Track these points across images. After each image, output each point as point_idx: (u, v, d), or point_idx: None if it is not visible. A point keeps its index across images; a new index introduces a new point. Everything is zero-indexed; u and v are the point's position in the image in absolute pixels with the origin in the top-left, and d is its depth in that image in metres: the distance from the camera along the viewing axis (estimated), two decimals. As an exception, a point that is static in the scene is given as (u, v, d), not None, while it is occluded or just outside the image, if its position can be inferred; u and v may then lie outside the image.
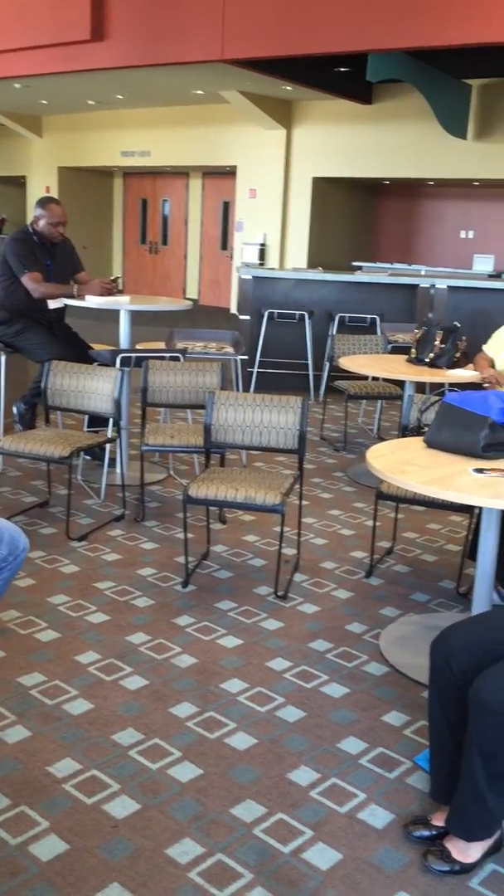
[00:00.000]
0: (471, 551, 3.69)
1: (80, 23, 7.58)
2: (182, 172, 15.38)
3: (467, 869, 2.12)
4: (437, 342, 5.18)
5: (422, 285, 7.96)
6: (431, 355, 5.16)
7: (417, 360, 5.23)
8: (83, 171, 15.72)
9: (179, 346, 5.76)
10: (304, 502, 4.67)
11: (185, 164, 14.13)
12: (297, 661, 3.14)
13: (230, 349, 5.96)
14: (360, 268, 10.53)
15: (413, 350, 5.31)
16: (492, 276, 9.45)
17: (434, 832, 2.21)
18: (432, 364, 5.14)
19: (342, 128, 11.81)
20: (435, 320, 5.48)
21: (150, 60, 7.57)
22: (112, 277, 5.53)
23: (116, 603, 3.54)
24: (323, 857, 2.16)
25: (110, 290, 5.31)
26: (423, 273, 9.37)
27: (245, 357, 7.03)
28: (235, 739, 2.64)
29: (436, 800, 2.30)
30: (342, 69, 9.61)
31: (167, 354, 4.99)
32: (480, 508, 3.12)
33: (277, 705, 2.85)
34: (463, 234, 12.98)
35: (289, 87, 10.58)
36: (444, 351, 5.15)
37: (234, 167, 13.22)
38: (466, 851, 2.13)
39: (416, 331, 5.42)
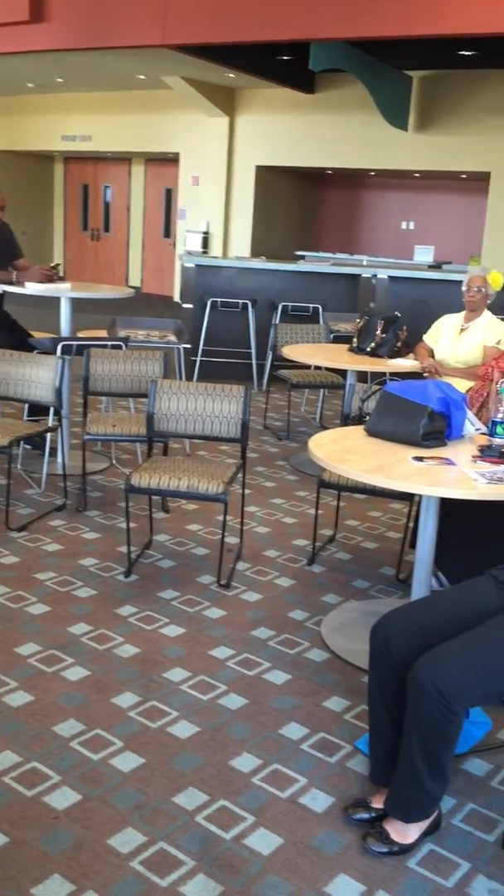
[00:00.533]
0: (411, 538, 3.75)
1: (19, 3, 7.41)
2: (124, 158, 15.20)
3: (406, 849, 2.16)
4: (378, 332, 5.24)
5: (363, 275, 8.03)
6: (373, 345, 5.22)
7: (359, 350, 5.28)
8: (22, 155, 15.42)
9: (122, 334, 5.71)
10: (247, 491, 4.68)
11: (127, 150, 13.97)
12: (239, 649, 3.16)
13: (173, 338, 5.93)
14: (302, 257, 10.57)
15: (354, 339, 5.36)
16: (432, 267, 9.58)
17: (373, 814, 2.25)
18: (373, 353, 5.19)
19: (285, 116, 11.81)
20: (376, 310, 5.54)
21: (90, 44, 7.45)
22: (52, 264, 5.44)
23: (57, 594, 3.51)
24: (264, 842, 2.18)
25: (50, 276, 5.23)
26: (364, 263, 9.45)
27: (188, 346, 7.01)
28: (178, 728, 2.64)
29: (375, 782, 2.34)
30: (285, 58, 9.60)
31: (109, 343, 4.94)
32: (420, 496, 3.16)
33: (220, 693, 2.86)
34: (404, 225, 13.12)
35: (232, 75, 10.53)
36: (385, 340, 5.21)
37: (177, 154, 13.12)
38: (405, 832, 2.17)
39: (358, 320, 5.47)
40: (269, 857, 2.13)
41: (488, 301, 4.84)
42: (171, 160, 13.77)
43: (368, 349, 5.22)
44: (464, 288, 4.87)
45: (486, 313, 4.86)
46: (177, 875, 2.05)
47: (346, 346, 5.44)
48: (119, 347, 4.82)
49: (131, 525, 4.08)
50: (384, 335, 5.22)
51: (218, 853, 2.14)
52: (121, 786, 2.36)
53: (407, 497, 3.78)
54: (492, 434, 3.16)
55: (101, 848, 2.12)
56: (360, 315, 5.56)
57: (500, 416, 3.17)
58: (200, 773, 2.44)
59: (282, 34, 6.98)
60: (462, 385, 4.25)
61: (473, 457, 2.96)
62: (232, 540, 4.13)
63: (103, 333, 5.76)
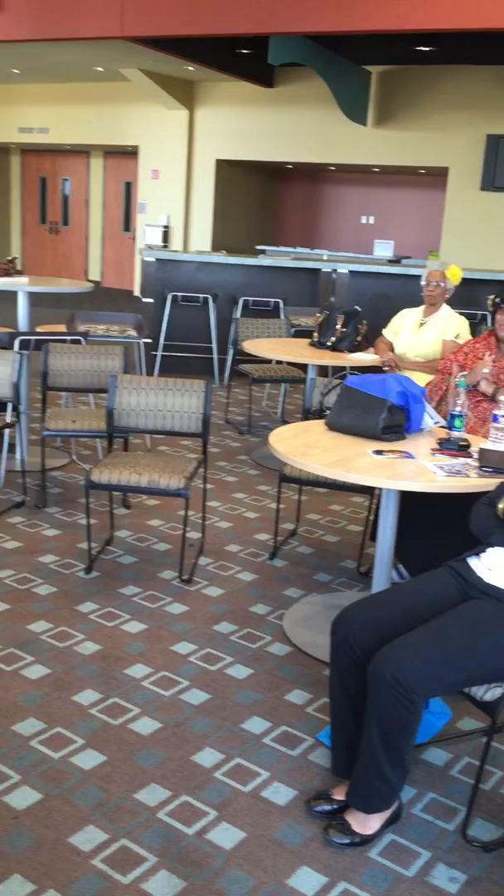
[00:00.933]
0: (372, 531, 3.77)
1: (-27, -8, 7.29)
2: (82, 151, 15.04)
3: (367, 840, 2.18)
4: (338, 326, 5.26)
5: (324, 270, 8.05)
6: (333, 339, 5.23)
7: (319, 344, 5.29)
8: (-22, 148, 15.20)
9: (81, 328, 5.65)
10: (208, 486, 4.68)
11: (86, 143, 13.83)
12: (201, 644, 3.15)
13: (133, 332, 5.89)
14: (263, 251, 10.57)
15: (315, 334, 5.38)
16: (391, 262, 9.63)
17: (335, 806, 2.26)
18: (334, 348, 5.21)
19: (245, 110, 11.78)
20: (336, 304, 5.55)
21: (47, 35, 7.36)
22: (9, 258, 5.37)
23: (17, 591, 3.47)
24: (226, 836, 2.18)
25: (7, 270, 5.17)
26: (325, 258, 9.48)
27: (149, 340, 6.96)
28: (139, 724, 2.63)
29: (336, 774, 2.35)
30: (244, 51, 9.57)
31: (68, 337, 4.89)
32: (380, 489, 3.18)
33: (182, 689, 2.85)
34: (364, 220, 13.18)
35: (191, 68, 10.47)
36: (346, 335, 5.23)
37: (136, 147, 13.03)
38: (366, 823, 2.19)
39: (318, 315, 5.48)
40: (232, 852, 2.13)
41: (447, 296, 4.88)
42: (131, 153, 13.67)
43: (329, 343, 5.23)
44: (423, 283, 4.90)
45: (445, 307, 4.90)
46: (139, 872, 2.05)
47: (307, 341, 5.45)
48: (78, 342, 4.77)
49: (92, 521, 4.05)
50: (344, 329, 5.23)
51: (180, 849, 2.13)
52: (82, 784, 2.34)
53: (367, 490, 3.80)
54: (450, 427, 3.19)
55: (62, 847, 2.11)
56: (321, 309, 5.57)
57: (458, 409, 3.20)
58: (162, 768, 2.43)
59: (240, 28, 6.96)
60: (421, 379, 4.29)
61: (432, 450, 2.99)
62: (194, 535, 4.12)
63: (62, 328, 5.70)
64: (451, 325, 4.85)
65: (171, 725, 2.64)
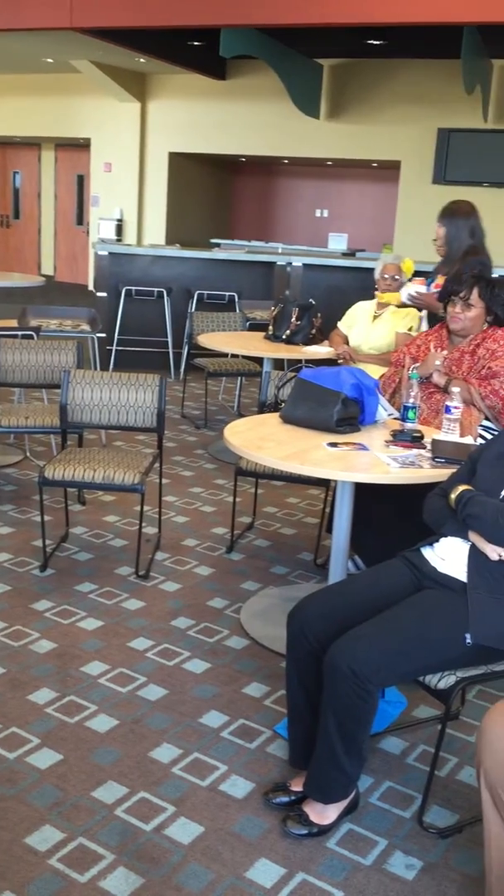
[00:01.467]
0: (328, 523, 3.78)
1: None
2: (33, 143, 14.83)
3: (324, 830, 2.19)
4: (293, 319, 5.27)
5: (278, 263, 8.05)
6: (288, 332, 5.24)
7: (274, 337, 5.30)
8: None
9: (33, 323, 5.58)
10: (164, 481, 4.65)
11: (36, 135, 13.63)
12: (158, 640, 3.14)
13: (87, 327, 5.83)
14: (218, 245, 10.53)
15: (270, 327, 5.38)
16: (345, 255, 9.68)
17: (293, 797, 2.27)
18: (289, 341, 5.22)
19: (197, 103, 11.72)
20: (291, 297, 5.56)
21: (-6, 24, 7.24)
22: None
23: (-30, 590, 3.42)
24: (185, 831, 2.18)
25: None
26: (279, 251, 9.47)
27: (103, 335, 6.91)
28: (96, 722, 2.61)
29: (294, 766, 2.36)
30: (196, 43, 9.51)
31: (20, 332, 4.82)
32: (336, 481, 3.20)
33: (139, 685, 2.84)
34: (318, 213, 13.20)
35: (142, 60, 10.37)
36: (300, 328, 5.25)
37: (88, 140, 12.88)
38: (323, 813, 2.20)
39: (273, 308, 5.49)
40: (190, 846, 2.13)
41: (400, 286, 4.91)
42: (83, 146, 13.51)
43: (284, 336, 5.24)
44: (377, 276, 4.93)
45: None
46: (96, 870, 2.03)
47: (262, 334, 5.45)
48: (30, 337, 4.71)
49: (46, 518, 4.01)
50: (299, 322, 5.25)
51: (138, 845, 2.12)
52: (38, 783, 2.32)
53: (323, 483, 3.82)
54: (404, 419, 3.21)
55: (17, 847, 2.08)
56: (275, 302, 5.58)
57: (411, 401, 3.23)
58: (120, 766, 2.42)
59: (191, 20, 6.92)
60: (376, 371, 4.31)
61: (386, 441, 3.01)
62: (150, 530, 4.10)
63: (13, 323, 5.62)
64: (404, 318, 4.88)
65: (129, 722, 2.63)
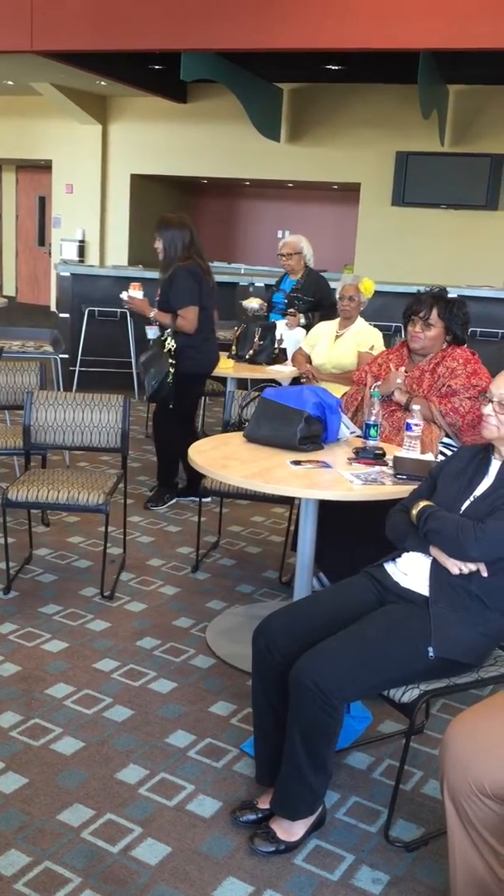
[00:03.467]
0: (293, 541, 3.80)
1: None
2: (-6, 165, 14.81)
3: (292, 847, 2.20)
4: (255, 339, 5.31)
5: (241, 283, 8.12)
6: (251, 352, 5.29)
7: (238, 357, 5.34)
8: None
9: (-5, 344, 5.55)
10: (129, 501, 4.64)
11: (-2, 157, 13.62)
12: (124, 661, 3.13)
13: (49, 348, 5.82)
14: (180, 266, 10.57)
15: (233, 346, 5.42)
16: (308, 275, 9.76)
17: (260, 815, 2.27)
18: (252, 360, 5.26)
19: (158, 125, 11.80)
20: (253, 318, 5.61)
21: (-47, 47, 7.24)
22: None
23: None
24: (152, 852, 2.17)
25: None
26: (242, 271, 9.55)
27: (66, 356, 6.89)
28: (62, 745, 2.60)
29: (261, 783, 2.36)
30: (156, 67, 9.59)
31: (-19, 354, 4.80)
32: (299, 499, 3.22)
33: (105, 706, 2.82)
34: (280, 234, 13.31)
35: (103, 83, 10.43)
36: (263, 347, 5.29)
37: (50, 161, 12.89)
38: (290, 830, 2.20)
39: (236, 328, 5.53)
40: (157, 867, 2.12)
41: (361, 308, 4.98)
42: (44, 167, 13.51)
43: (247, 356, 5.28)
44: (337, 297, 5.00)
45: (360, 320, 5.00)
46: (63, 893, 2.02)
47: (226, 354, 5.48)
48: (-8, 358, 4.69)
49: (10, 540, 3.98)
50: (262, 342, 5.30)
51: (105, 867, 2.11)
52: (3, 808, 2.30)
53: (288, 501, 3.84)
54: (366, 436, 3.26)
55: (-17, 873, 2.06)
56: (238, 323, 5.62)
57: (373, 418, 3.27)
58: (86, 788, 2.40)
59: (151, 44, 6.99)
60: (338, 390, 4.36)
61: (349, 459, 3.05)
62: (115, 551, 4.09)
63: (-24, 344, 5.58)
64: (365, 337, 4.95)
65: (95, 744, 2.61)
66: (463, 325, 3.45)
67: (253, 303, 5.80)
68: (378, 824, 2.33)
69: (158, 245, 4.70)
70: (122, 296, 4.81)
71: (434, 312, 3.40)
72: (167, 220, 4.73)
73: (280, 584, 3.93)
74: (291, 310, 5.50)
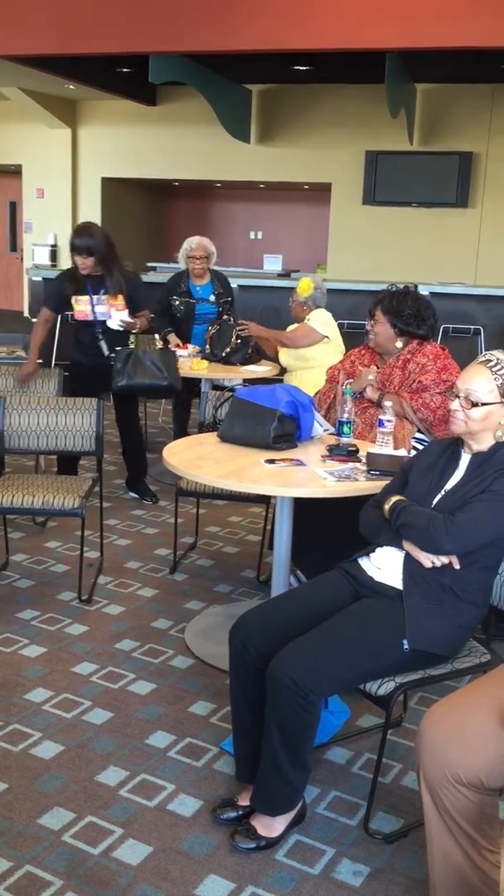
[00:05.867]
0: (270, 540, 3.82)
1: None
2: (-36, 170, 14.71)
3: (273, 843, 2.21)
4: (231, 339, 5.33)
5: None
6: (227, 350, 5.30)
7: (212, 357, 5.35)
8: None
9: (-33, 351, 5.52)
10: (105, 504, 4.64)
11: (-33, 162, 13.53)
12: (103, 663, 3.13)
13: (22, 353, 5.80)
14: (154, 268, 10.57)
15: (207, 347, 5.42)
16: (281, 275, 9.80)
17: (241, 812, 2.28)
18: (226, 361, 5.28)
19: (128, 128, 11.77)
20: (227, 319, 5.62)
21: None
22: None
23: None
24: (133, 852, 2.17)
25: None
26: (215, 273, 9.54)
27: (39, 361, 6.86)
28: (41, 749, 2.59)
29: (241, 780, 2.37)
30: (125, 70, 9.58)
31: (-47, 360, 4.77)
32: (275, 497, 3.24)
33: (84, 709, 2.82)
34: (252, 235, 13.35)
35: (72, 87, 10.40)
36: (238, 348, 5.31)
37: (20, 166, 12.82)
38: (271, 826, 2.22)
39: (210, 329, 5.54)
40: (139, 867, 2.13)
41: (305, 307, 5.10)
42: (14, 172, 13.44)
43: (222, 356, 5.30)
44: None
45: (313, 317, 5.09)
46: (44, 897, 2.02)
47: (200, 354, 5.48)
48: (-36, 364, 4.67)
49: (-14, 546, 3.97)
50: (236, 343, 5.31)
51: (86, 869, 2.11)
52: (-17, 814, 2.29)
53: (264, 500, 3.85)
54: (339, 434, 3.28)
55: (-37, 880, 2.06)
56: (212, 323, 5.64)
57: (346, 416, 3.29)
58: (66, 791, 2.40)
59: (119, 47, 6.99)
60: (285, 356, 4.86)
61: (323, 456, 3.07)
62: (93, 554, 4.08)
63: None
64: (314, 322, 5.06)
65: (74, 747, 2.61)
66: (413, 318, 3.42)
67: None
68: (358, 818, 2.35)
69: (89, 260, 4.59)
70: (116, 325, 4.68)
71: (378, 309, 3.45)
72: (86, 227, 4.70)
73: (258, 583, 3.94)
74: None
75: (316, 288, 5.13)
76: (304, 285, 5.09)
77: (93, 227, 4.70)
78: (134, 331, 4.72)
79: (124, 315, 4.65)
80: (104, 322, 4.69)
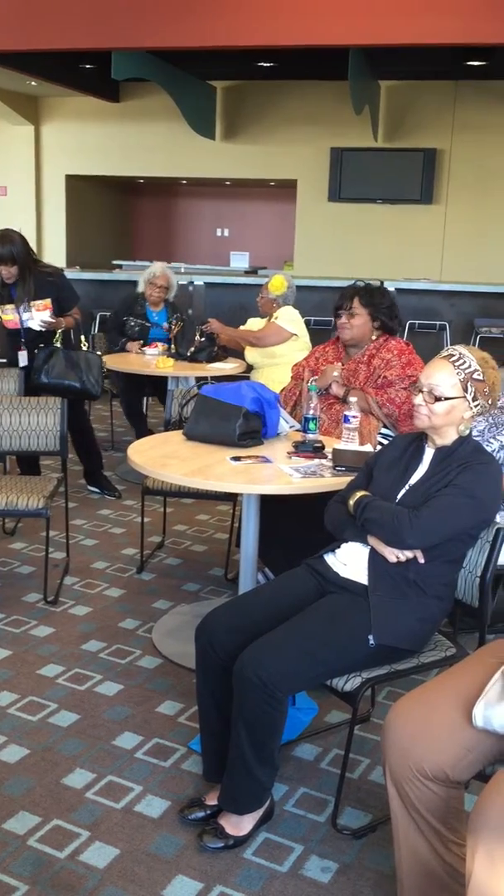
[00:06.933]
0: (237, 538, 3.81)
1: None
2: None
3: (241, 842, 2.20)
4: (196, 337, 5.31)
5: (180, 282, 8.07)
6: (192, 349, 5.28)
7: (178, 355, 5.32)
8: None
9: None
10: (71, 504, 4.60)
11: None
12: (69, 665, 3.10)
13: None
14: (120, 266, 10.51)
15: (173, 345, 5.40)
16: (248, 273, 9.79)
17: (208, 811, 2.27)
18: (192, 359, 5.26)
19: (92, 125, 11.68)
20: (193, 316, 5.62)
21: None
22: None
23: None
24: (100, 855, 2.15)
25: None
26: (182, 270, 9.51)
27: (3, 360, 6.78)
28: (6, 753, 2.56)
29: (208, 779, 2.36)
30: (87, 66, 9.50)
31: None
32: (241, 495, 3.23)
33: (50, 712, 2.79)
34: (219, 233, 13.32)
35: (34, 83, 10.29)
36: (203, 345, 5.29)
37: (-18, 164, 12.69)
38: (239, 825, 2.21)
39: (174, 326, 5.53)
40: (106, 870, 2.11)
41: (274, 304, 5.12)
42: (-24, 170, 13.29)
43: (188, 354, 5.28)
44: None
45: (280, 312, 5.11)
46: (10, 903, 1.99)
47: (165, 353, 5.46)
48: None
49: (-51, 549, 3.91)
50: (202, 340, 5.29)
51: (53, 873, 2.08)
52: None
53: (232, 498, 3.84)
54: (305, 430, 3.28)
55: None
56: (175, 320, 5.63)
57: (311, 412, 3.29)
58: (31, 795, 2.37)
59: (81, 43, 6.92)
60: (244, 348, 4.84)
61: (289, 453, 3.06)
62: (59, 555, 4.04)
63: None
64: (282, 321, 5.08)
65: (40, 750, 2.58)
66: (388, 310, 3.50)
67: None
68: (326, 814, 2.34)
69: (14, 269, 4.47)
70: (37, 326, 4.56)
71: (356, 301, 3.48)
72: (6, 235, 4.53)
73: (226, 581, 3.93)
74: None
75: (288, 287, 5.15)
76: (277, 282, 5.09)
77: (12, 233, 4.52)
78: (60, 329, 4.63)
79: (45, 315, 4.55)
80: (29, 330, 4.58)
